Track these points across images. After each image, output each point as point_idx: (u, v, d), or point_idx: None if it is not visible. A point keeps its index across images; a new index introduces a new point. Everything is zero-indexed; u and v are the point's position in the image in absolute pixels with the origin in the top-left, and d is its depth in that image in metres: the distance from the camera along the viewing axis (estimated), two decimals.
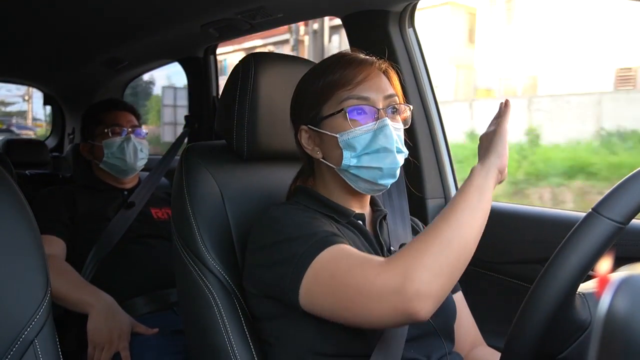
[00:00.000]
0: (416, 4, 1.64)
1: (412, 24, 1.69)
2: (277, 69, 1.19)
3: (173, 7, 1.81)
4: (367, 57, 1.02)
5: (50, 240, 1.62)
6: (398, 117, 1.01)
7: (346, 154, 0.97)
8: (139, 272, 1.66)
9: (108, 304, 1.49)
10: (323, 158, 1.03)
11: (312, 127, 1.02)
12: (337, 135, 0.97)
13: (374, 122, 0.97)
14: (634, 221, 0.69)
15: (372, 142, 0.96)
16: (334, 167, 1.01)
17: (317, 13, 1.83)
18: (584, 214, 0.70)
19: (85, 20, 1.95)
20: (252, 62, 1.16)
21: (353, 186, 1.01)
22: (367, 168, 0.97)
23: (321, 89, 0.99)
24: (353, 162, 0.97)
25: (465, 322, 1.15)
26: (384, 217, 1.11)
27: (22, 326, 0.70)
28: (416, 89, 1.67)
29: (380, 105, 0.98)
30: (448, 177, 1.69)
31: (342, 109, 0.97)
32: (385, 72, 1.02)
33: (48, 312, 0.74)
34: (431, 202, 1.65)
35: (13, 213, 0.74)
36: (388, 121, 0.97)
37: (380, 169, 0.97)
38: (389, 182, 1.00)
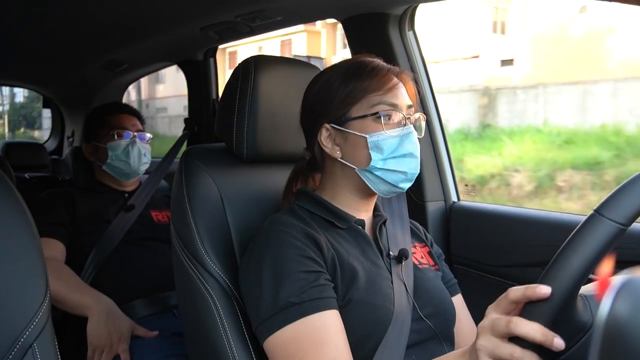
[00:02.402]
0: (416, 7, 1.64)
1: (412, 27, 1.69)
2: (277, 72, 1.19)
3: (173, 10, 1.81)
4: (392, 66, 1.05)
5: (50, 243, 1.62)
6: (414, 127, 1.04)
7: (374, 155, 0.99)
8: (138, 275, 1.66)
9: (108, 306, 1.49)
10: (342, 158, 1.03)
11: (336, 127, 1.02)
12: (367, 136, 0.99)
13: (401, 128, 1.00)
14: (635, 224, 0.69)
15: (399, 147, 0.99)
16: (354, 167, 1.02)
17: (317, 16, 1.83)
18: (586, 217, 0.70)
19: (84, 22, 1.95)
20: (252, 65, 1.16)
21: (372, 188, 1.03)
22: (393, 171, 1.00)
23: (352, 90, 1.01)
24: (380, 164, 0.99)
25: (465, 325, 1.15)
26: (384, 222, 1.11)
27: (21, 330, 0.70)
28: (416, 92, 1.67)
29: (404, 113, 1.01)
30: (448, 180, 1.69)
31: (376, 112, 0.99)
32: (404, 83, 1.05)
33: (47, 315, 0.73)
34: (431, 205, 1.65)
35: (12, 216, 0.73)
36: (413, 128, 1.01)
37: (405, 173, 1.00)
38: (407, 186, 1.03)
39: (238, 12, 1.74)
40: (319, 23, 14.99)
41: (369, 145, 0.99)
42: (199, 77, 2.44)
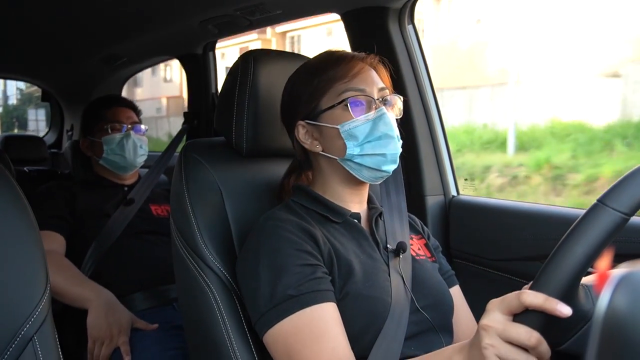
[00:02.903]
0: (416, 0, 1.63)
1: (411, 21, 1.69)
2: (276, 66, 1.18)
3: (172, 4, 1.80)
4: (357, 53, 1.05)
5: (50, 236, 1.62)
6: (390, 109, 1.04)
7: (349, 144, 0.99)
8: (138, 269, 1.66)
9: (107, 299, 1.49)
10: (323, 151, 1.04)
11: (310, 122, 1.03)
12: (338, 127, 1.00)
13: (373, 112, 1.00)
14: (634, 218, 0.69)
15: (373, 130, 0.99)
16: (335, 158, 1.03)
17: (316, 10, 1.83)
18: (585, 211, 0.70)
19: (83, 16, 1.94)
20: (251, 59, 1.16)
21: (356, 175, 1.03)
22: (371, 155, 1.00)
23: (318, 83, 1.02)
24: (356, 150, 0.99)
25: (463, 316, 1.15)
26: (380, 215, 1.12)
27: (21, 323, 0.70)
28: (415, 86, 1.66)
29: (376, 96, 1.01)
30: (447, 174, 1.69)
31: (342, 100, 0.99)
32: (375, 67, 1.05)
33: (47, 308, 0.73)
34: (430, 199, 1.66)
35: (12, 209, 0.73)
36: (385, 109, 1.00)
37: (383, 155, 1.00)
38: (392, 168, 1.03)
39: (237, 6, 1.73)
40: (269, 32, 15.07)
41: (342, 134, 1.00)
42: (198, 71, 2.43)
